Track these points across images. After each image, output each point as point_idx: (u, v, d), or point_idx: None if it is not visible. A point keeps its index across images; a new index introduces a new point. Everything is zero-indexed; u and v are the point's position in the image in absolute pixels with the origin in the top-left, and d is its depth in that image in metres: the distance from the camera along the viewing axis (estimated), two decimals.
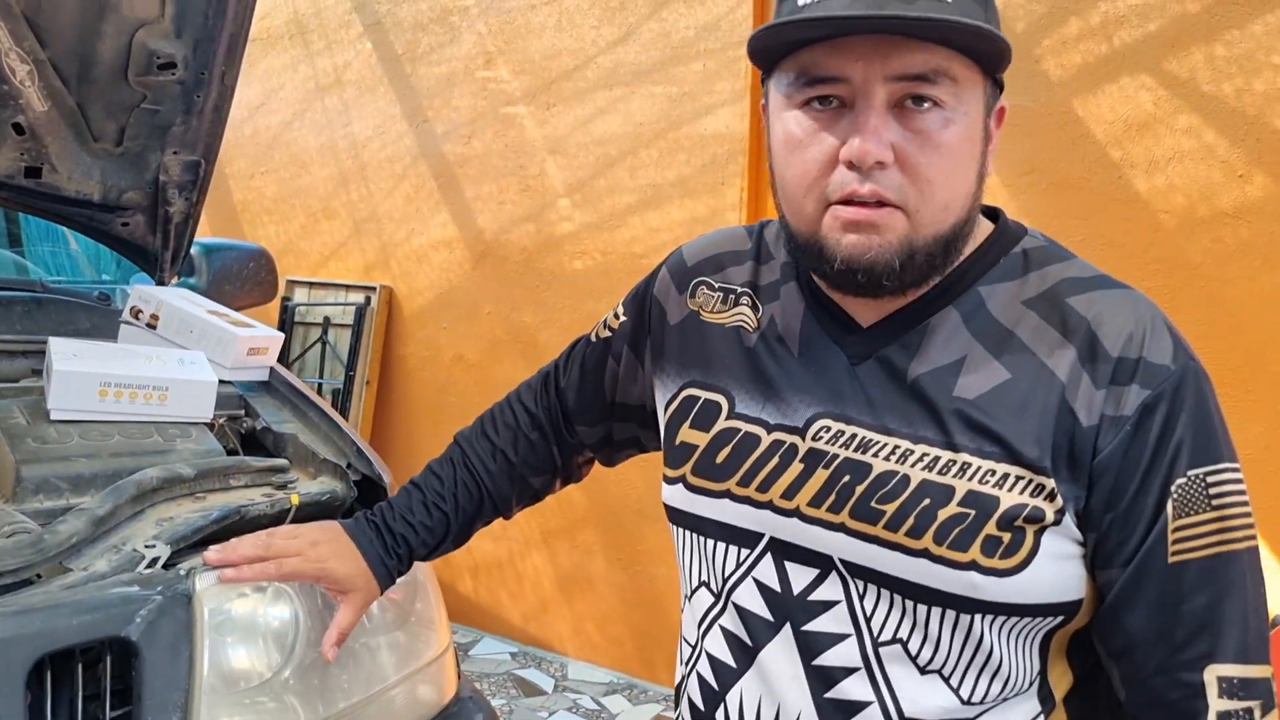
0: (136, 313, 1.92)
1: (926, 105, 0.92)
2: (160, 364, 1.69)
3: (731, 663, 1.07)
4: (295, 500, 1.55)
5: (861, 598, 0.99)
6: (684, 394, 1.13)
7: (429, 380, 4.36)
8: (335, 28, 4.53)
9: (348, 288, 4.51)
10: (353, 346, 4.37)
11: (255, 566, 1.26)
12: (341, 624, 1.29)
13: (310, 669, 1.42)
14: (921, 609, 0.97)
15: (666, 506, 1.13)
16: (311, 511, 1.58)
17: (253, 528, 1.52)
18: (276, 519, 1.54)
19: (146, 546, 1.34)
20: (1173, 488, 0.92)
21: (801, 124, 0.96)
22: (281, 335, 2.01)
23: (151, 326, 1.91)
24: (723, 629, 1.07)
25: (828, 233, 0.96)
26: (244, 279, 2.73)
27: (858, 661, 0.99)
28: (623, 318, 1.28)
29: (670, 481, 1.12)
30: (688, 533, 1.11)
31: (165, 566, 1.33)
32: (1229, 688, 0.92)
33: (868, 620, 0.99)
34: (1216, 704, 0.92)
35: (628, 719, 3.65)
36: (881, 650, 0.99)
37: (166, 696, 1.24)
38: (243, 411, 1.85)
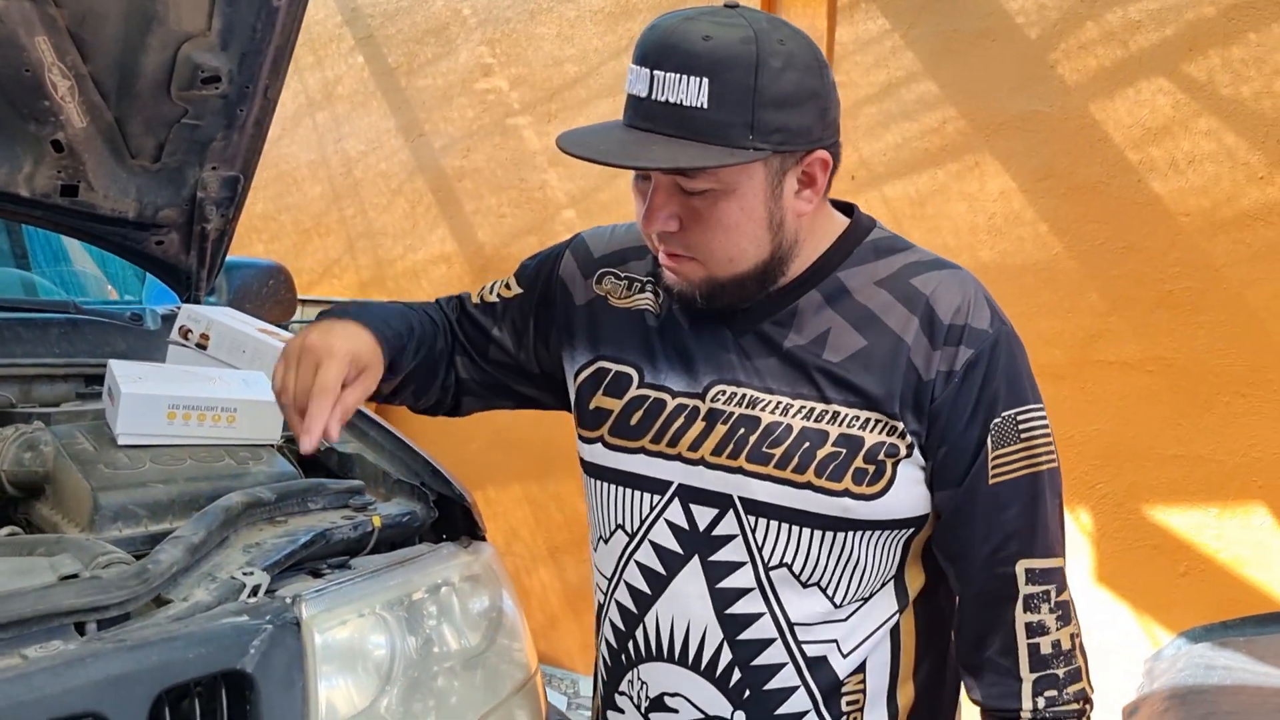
0: (186, 333, 1.87)
1: (696, 190, 1.15)
2: (226, 385, 1.64)
3: (647, 590, 1.28)
4: (378, 522, 1.51)
5: (754, 530, 1.22)
6: (595, 366, 1.33)
7: None
8: (325, 42, 4.47)
9: None
10: None
11: (313, 417, 1.17)
12: (348, 402, 1.21)
13: (408, 697, 1.38)
14: (804, 532, 1.21)
15: (585, 462, 1.34)
16: (392, 534, 1.54)
17: (336, 552, 1.48)
18: (359, 541, 1.50)
19: (244, 574, 1.29)
20: (991, 425, 1.19)
21: (635, 187, 1.21)
22: None
23: (201, 347, 1.86)
24: (638, 563, 1.28)
25: (661, 262, 1.24)
26: (264, 297, 2.67)
27: (752, 583, 1.23)
28: (516, 289, 1.44)
29: (589, 441, 1.33)
30: (605, 484, 1.32)
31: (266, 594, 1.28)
32: (1033, 576, 1.20)
33: (759, 549, 1.22)
34: (1025, 588, 1.20)
35: None
36: (771, 573, 1.22)
37: None
38: None
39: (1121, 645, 2.92)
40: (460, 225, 4.16)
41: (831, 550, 1.21)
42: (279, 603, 1.25)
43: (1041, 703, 1.20)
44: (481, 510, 1.68)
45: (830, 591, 1.23)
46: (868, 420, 1.19)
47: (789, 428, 1.20)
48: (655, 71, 1.12)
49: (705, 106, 1.10)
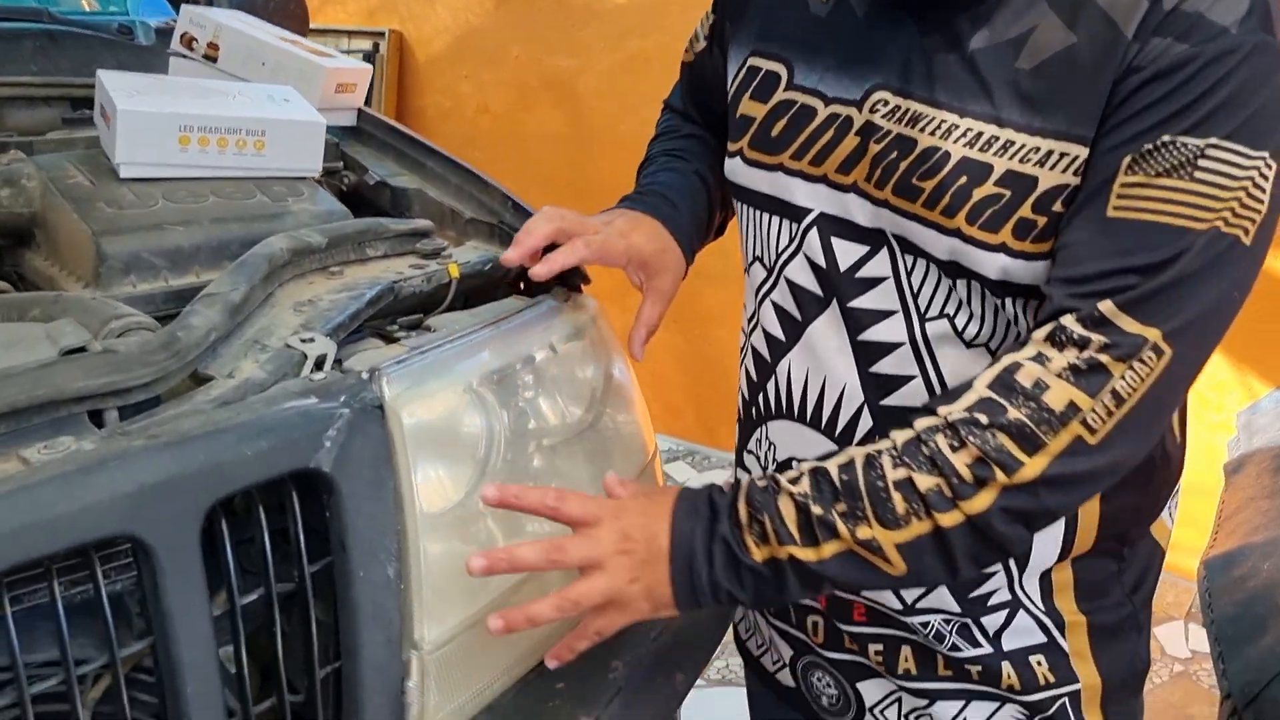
0: (190, 41, 1.50)
1: None
2: (249, 102, 1.29)
3: (781, 336, 1.09)
4: (455, 271, 1.20)
5: (909, 273, 0.98)
6: (748, 64, 1.10)
7: (451, 134, 3.93)
8: None
9: (350, 34, 4.00)
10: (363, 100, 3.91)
11: (563, 252, 1.09)
12: (650, 320, 1.18)
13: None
14: (963, 285, 0.95)
15: (728, 181, 1.13)
16: (476, 284, 1.23)
17: (407, 309, 1.19)
18: (434, 296, 1.19)
19: (303, 341, 0.99)
20: (1159, 142, 0.83)
21: None
22: (369, 68, 1.61)
23: (210, 58, 1.50)
24: (774, 303, 1.09)
25: None
26: (271, 10, 2.28)
27: (903, 337, 0.99)
28: (713, 17, 1.22)
29: (730, 155, 1.11)
30: (745, 206, 1.12)
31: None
32: (1096, 324, 0.84)
33: (915, 296, 0.98)
34: (1075, 327, 0.85)
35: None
36: (928, 325, 0.98)
37: (376, 542, 0.92)
38: (341, 163, 1.47)
39: (1213, 395, 2.72)
40: None
41: (997, 315, 0.96)
42: (354, 378, 0.96)
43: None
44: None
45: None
46: (1050, 153, 0.88)
47: (946, 155, 0.92)
48: None
49: None
